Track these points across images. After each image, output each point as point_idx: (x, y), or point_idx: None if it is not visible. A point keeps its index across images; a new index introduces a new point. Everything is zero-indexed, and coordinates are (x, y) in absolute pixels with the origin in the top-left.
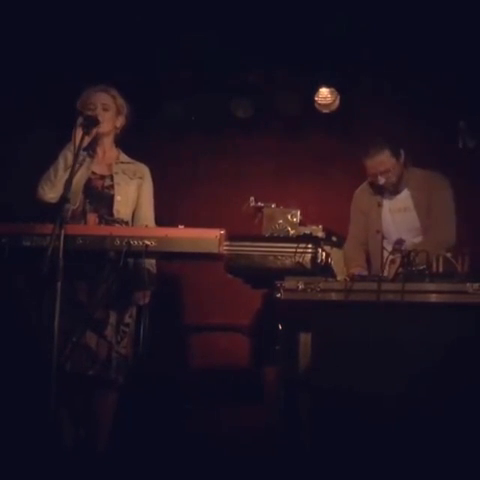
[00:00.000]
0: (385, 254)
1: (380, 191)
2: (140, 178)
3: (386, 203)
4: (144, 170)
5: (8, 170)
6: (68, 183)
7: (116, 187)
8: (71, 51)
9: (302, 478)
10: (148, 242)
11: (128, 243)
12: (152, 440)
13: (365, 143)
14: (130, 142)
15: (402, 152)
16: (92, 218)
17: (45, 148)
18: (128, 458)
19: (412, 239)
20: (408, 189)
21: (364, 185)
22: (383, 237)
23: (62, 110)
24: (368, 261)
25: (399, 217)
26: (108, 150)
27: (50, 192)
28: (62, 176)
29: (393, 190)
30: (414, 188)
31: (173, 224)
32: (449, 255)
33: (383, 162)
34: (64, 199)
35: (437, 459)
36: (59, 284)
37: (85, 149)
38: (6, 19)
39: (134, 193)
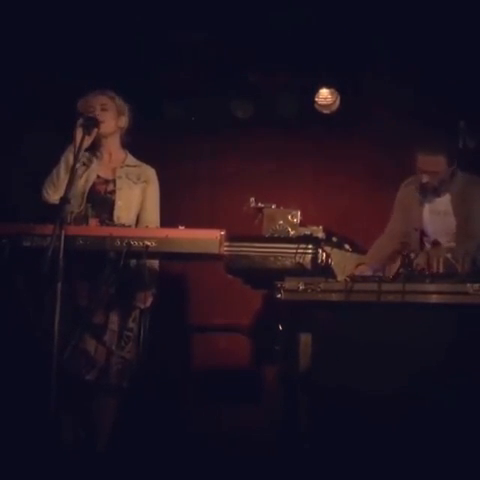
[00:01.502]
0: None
1: (422, 190)
2: (145, 182)
3: (427, 203)
4: (149, 173)
5: (9, 171)
6: (69, 184)
7: (118, 192)
8: (71, 52)
9: (302, 478)
10: (148, 243)
11: (128, 244)
12: (152, 440)
13: (424, 138)
14: (130, 143)
15: (455, 162)
16: (93, 223)
17: (46, 149)
18: (128, 458)
19: (447, 243)
20: (450, 194)
21: (411, 179)
22: (423, 235)
23: (63, 111)
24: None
25: (438, 220)
26: (114, 152)
27: (54, 194)
28: (65, 178)
29: (433, 192)
30: (455, 194)
31: (173, 225)
32: (449, 256)
33: (436, 164)
34: (64, 200)
35: (438, 459)
36: (59, 285)
37: (88, 150)
38: (6, 21)
39: (138, 197)
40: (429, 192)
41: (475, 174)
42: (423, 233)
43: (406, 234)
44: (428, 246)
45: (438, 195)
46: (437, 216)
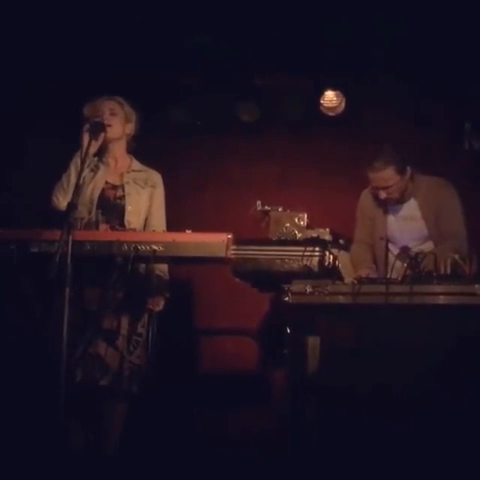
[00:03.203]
0: (390, 258)
1: (382, 203)
2: (152, 187)
3: (392, 211)
4: (156, 177)
5: (13, 176)
6: (76, 190)
7: (127, 197)
8: (75, 56)
9: None
10: (156, 247)
11: (136, 248)
12: (160, 443)
13: (371, 155)
14: (136, 146)
15: (408, 169)
16: (104, 229)
17: (51, 154)
18: (136, 461)
19: (419, 246)
20: (415, 199)
21: (370, 188)
22: (388, 242)
23: (68, 115)
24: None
25: (406, 226)
26: (120, 158)
27: (64, 200)
28: (74, 183)
29: (395, 203)
30: (421, 198)
31: (180, 229)
32: (457, 257)
33: (386, 179)
34: (72, 205)
35: (448, 460)
36: (67, 290)
37: (96, 155)
38: (11, 24)
39: (146, 202)
40: (390, 204)
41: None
42: (389, 241)
43: (372, 244)
44: (395, 253)
45: (402, 202)
46: (404, 222)
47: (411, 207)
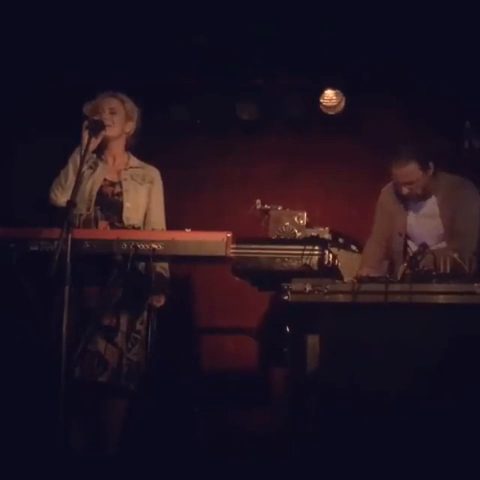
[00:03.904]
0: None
1: (404, 199)
2: (150, 183)
3: (412, 208)
4: (154, 174)
5: (13, 174)
6: (76, 187)
7: (125, 194)
8: (76, 54)
9: (310, 479)
10: (155, 246)
11: (135, 247)
12: (160, 442)
13: (394, 150)
14: (135, 145)
15: (431, 165)
16: (103, 225)
17: (49, 151)
18: (136, 460)
19: (436, 245)
20: (435, 196)
21: (391, 184)
22: (407, 239)
23: (68, 113)
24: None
25: (424, 223)
26: (118, 156)
27: (62, 197)
28: (72, 180)
29: (417, 200)
30: (441, 196)
31: (180, 227)
32: (456, 256)
33: (409, 174)
34: (71, 203)
35: (450, 460)
36: (67, 289)
37: (95, 152)
38: (13, 21)
39: (144, 199)
40: (413, 201)
41: (474, 175)
42: (408, 237)
43: (390, 239)
44: (414, 250)
45: (424, 199)
46: (424, 219)
47: (431, 204)
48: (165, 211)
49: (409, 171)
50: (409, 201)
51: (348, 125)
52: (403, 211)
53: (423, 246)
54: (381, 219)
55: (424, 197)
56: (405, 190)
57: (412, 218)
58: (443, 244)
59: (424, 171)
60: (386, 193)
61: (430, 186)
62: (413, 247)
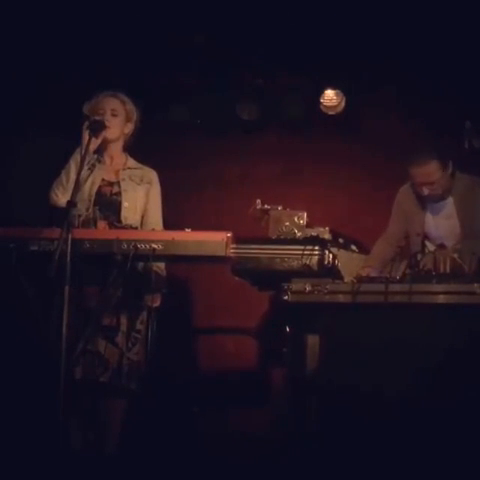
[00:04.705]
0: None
1: (423, 200)
2: (148, 183)
3: (430, 208)
4: (151, 175)
5: (13, 174)
6: (76, 187)
7: (123, 194)
8: (75, 54)
9: (310, 479)
10: (155, 245)
11: (135, 247)
12: (160, 442)
13: (413, 150)
14: (135, 145)
15: (450, 164)
16: (102, 225)
17: (50, 151)
18: (135, 460)
19: (454, 245)
20: (452, 196)
21: (410, 183)
22: (425, 238)
23: (67, 113)
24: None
25: (442, 224)
26: (116, 156)
27: (63, 197)
28: (74, 180)
29: (437, 200)
30: (458, 196)
31: (180, 227)
32: (456, 256)
33: (430, 173)
34: (71, 203)
35: (449, 459)
36: (67, 288)
37: (95, 152)
38: (9, 21)
39: (142, 199)
40: (433, 201)
41: (474, 175)
42: (426, 237)
43: (405, 238)
44: (431, 250)
45: (443, 199)
46: (442, 220)
47: (449, 205)
48: (165, 211)
49: (430, 171)
50: (428, 202)
51: (348, 125)
52: (421, 211)
53: (441, 246)
54: (397, 219)
55: (443, 197)
56: (426, 190)
57: (430, 219)
58: (458, 246)
59: (444, 170)
60: (404, 193)
61: (449, 186)
62: (431, 247)
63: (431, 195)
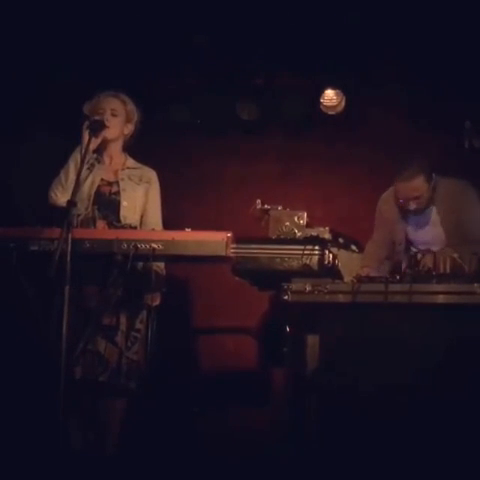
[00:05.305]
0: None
1: (407, 213)
2: (147, 183)
3: (411, 218)
4: (151, 175)
5: (13, 174)
6: (76, 187)
7: (122, 193)
8: (75, 54)
9: (310, 479)
10: (155, 245)
11: (135, 246)
12: (160, 442)
13: (400, 165)
14: (135, 145)
15: (434, 176)
16: (101, 225)
17: (50, 151)
18: (136, 460)
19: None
20: (435, 205)
21: (390, 191)
22: (409, 245)
23: (67, 112)
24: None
25: (426, 233)
26: (115, 156)
27: (62, 196)
28: (73, 179)
29: (421, 213)
30: (440, 203)
31: (180, 227)
32: (456, 256)
33: (417, 188)
34: (71, 203)
35: (449, 459)
36: (67, 288)
37: (95, 152)
38: (9, 21)
39: (141, 198)
40: (417, 214)
41: (475, 175)
42: (411, 244)
43: (390, 246)
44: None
45: (426, 209)
46: (424, 229)
47: (430, 213)
48: (165, 211)
49: (417, 185)
50: (413, 214)
51: (348, 125)
52: (402, 222)
53: (427, 251)
54: (380, 227)
55: (426, 208)
56: (413, 205)
57: (412, 229)
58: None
59: (428, 184)
60: (384, 202)
61: (432, 196)
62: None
63: (417, 209)
